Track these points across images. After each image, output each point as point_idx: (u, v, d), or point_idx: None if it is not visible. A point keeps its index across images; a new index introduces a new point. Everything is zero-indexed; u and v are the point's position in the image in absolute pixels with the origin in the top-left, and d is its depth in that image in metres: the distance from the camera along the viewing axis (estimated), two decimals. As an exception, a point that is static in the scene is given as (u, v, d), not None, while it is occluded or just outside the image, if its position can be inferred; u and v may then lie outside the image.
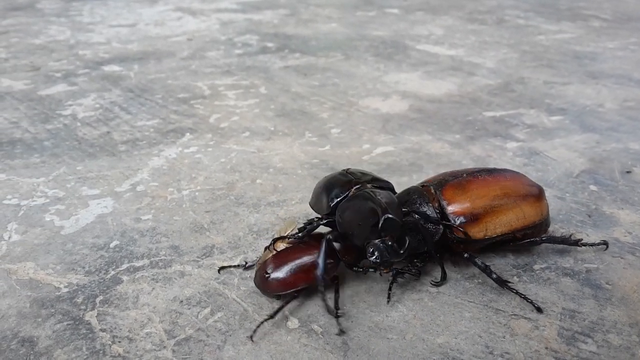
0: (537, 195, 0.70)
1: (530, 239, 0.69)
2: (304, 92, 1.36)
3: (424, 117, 1.18)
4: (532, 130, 1.10)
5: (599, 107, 1.22)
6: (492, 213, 0.66)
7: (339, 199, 0.62)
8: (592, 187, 0.87)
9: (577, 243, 0.69)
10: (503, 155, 0.99)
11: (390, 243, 0.56)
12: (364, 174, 0.67)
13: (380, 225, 0.56)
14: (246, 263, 0.69)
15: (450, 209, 0.66)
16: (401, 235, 0.58)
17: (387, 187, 0.66)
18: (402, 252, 0.57)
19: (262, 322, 0.58)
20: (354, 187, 0.63)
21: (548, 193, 0.84)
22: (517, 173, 0.74)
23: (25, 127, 1.17)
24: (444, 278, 0.64)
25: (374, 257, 0.56)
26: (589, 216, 0.79)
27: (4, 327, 0.60)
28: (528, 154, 0.99)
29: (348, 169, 0.70)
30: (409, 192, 0.69)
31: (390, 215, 0.56)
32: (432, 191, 0.68)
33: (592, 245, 0.70)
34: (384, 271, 0.57)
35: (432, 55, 1.69)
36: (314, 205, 0.68)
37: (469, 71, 1.51)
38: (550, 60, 1.60)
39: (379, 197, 0.59)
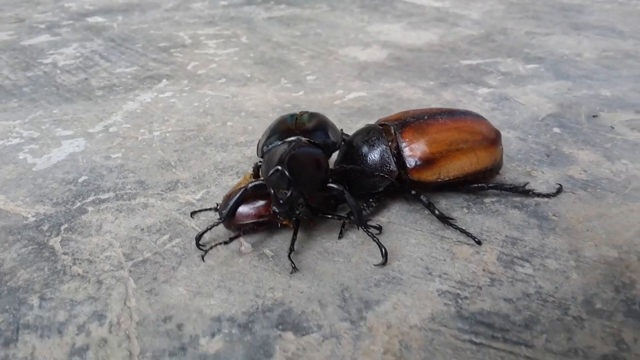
0: (493, 140, 0.71)
1: (480, 182, 0.70)
2: (285, 42, 1.36)
3: (401, 65, 1.19)
4: (506, 78, 1.10)
5: (576, 57, 1.22)
6: (447, 158, 0.67)
7: (269, 147, 0.63)
8: (556, 130, 0.88)
9: (527, 193, 0.70)
10: (473, 100, 1.00)
11: (286, 197, 0.55)
12: (313, 121, 0.67)
13: (269, 175, 0.55)
14: (217, 205, 0.69)
15: (408, 152, 0.67)
16: (297, 193, 0.56)
17: (324, 142, 0.64)
18: (295, 208, 0.56)
19: (215, 245, 0.60)
20: (290, 138, 0.62)
21: (510, 135, 0.86)
22: (478, 116, 0.74)
23: (5, 74, 1.18)
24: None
25: (273, 207, 0.57)
26: (547, 155, 0.81)
27: (-28, 251, 0.63)
28: (497, 99, 1.00)
29: (303, 112, 0.70)
30: (368, 131, 0.70)
31: (279, 168, 0.55)
32: (392, 131, 0.69)
33: (544, 196, 0.70)
34: (284, 222, 0.58)
35: (418, 7, 1.68)
36: (257, 145, 0.69)
37: (452, 22, 1.50)
38: (537, 12, 1.59)
39: (290, 151, 0.58)
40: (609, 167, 0.78)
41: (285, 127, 0.65)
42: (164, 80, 1.12)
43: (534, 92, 1.03)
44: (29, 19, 1.61)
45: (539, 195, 0.70)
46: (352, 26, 1.49)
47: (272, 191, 0.56)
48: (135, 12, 1.65)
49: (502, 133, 0.85)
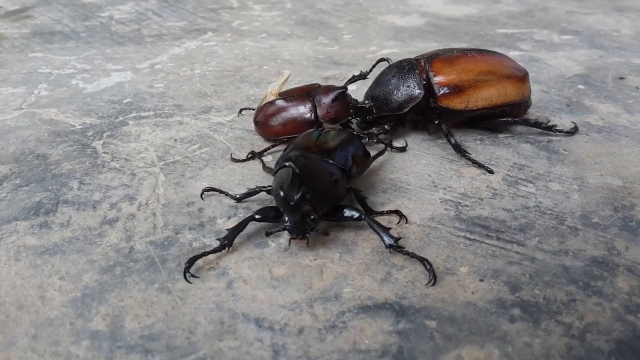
0: (521, 77, 0.73)
1: (507, 117, 0.73)
2: (327, 8, 1.41)
3: (437, 30, 1.22)
4: (539, 45, 1.12)
5: (614, 32, 1.22)
6: (475, 87, 0.70)
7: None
8: (580, 86, 0.90)
9: (550, 128, 0.72)
10: (502, 60, 1.02)
11: (297, 205, 0.49)
12: (334, 140, 0.59)
13: (276, 171, 0.55)
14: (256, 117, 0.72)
15: (436, 79, 0.71)
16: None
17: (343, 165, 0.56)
18: (307, 223, 0.50)
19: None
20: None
21: (535, 87, 0.88)
22: (506, 56, 0.77)
23: (65, 22, 1.28)
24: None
25: (285, 224, 0.50)
26: (568, 105, 0.83)
27: (24, 147, 0.71)
28: (527, 60, 1.02)
29: (328, 130, 0.63)
30: (401, 62, 0.75)
31: (287, 164, 0.50)
32: (422, 64, 0.73)
33: (566, 132, 0.72)
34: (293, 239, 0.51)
35: (462, -13, 1.70)
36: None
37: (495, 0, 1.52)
38: (581, -5, 1.59)
39: (301, 155, 0.55)
40: (627, 117, 0.79)
41: (303, 144, 0.59)
42: (209, 32, 1.19)
43: (565, 57, 1.04)
44: (90, -17, 1.72)
45: (561, 131, 0.72)
46: (394, -1, 1.52)
47: (283, 204, 0.50)
48: (189, -19, 1.74)
49: (526, 86, 0.88)
